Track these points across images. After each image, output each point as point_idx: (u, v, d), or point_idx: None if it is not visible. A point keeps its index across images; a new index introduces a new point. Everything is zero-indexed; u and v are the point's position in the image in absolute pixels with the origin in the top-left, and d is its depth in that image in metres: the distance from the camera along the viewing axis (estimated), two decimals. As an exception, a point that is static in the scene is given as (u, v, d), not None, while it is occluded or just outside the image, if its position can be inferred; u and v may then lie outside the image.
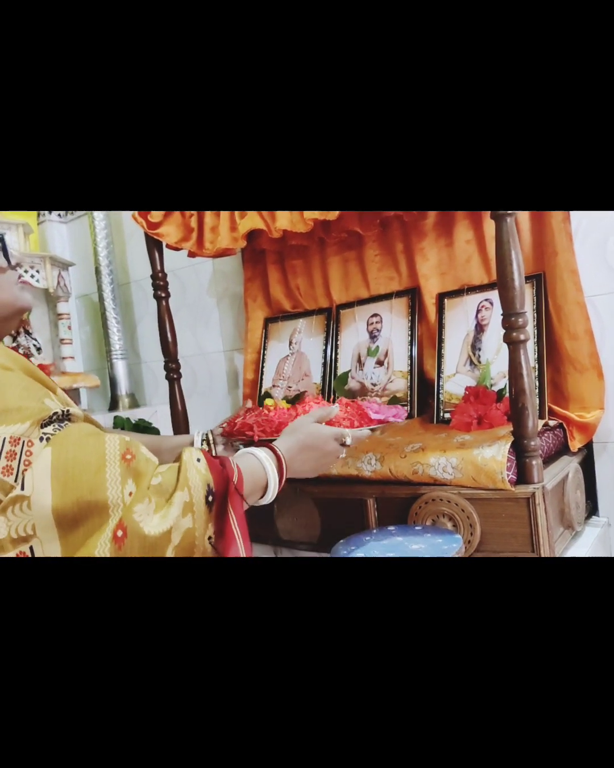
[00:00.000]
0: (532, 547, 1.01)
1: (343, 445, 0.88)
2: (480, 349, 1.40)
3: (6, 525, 0.55)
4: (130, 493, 0.60)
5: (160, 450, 0.89)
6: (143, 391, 2.41)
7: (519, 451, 1.04)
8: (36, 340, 1.93)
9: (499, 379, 1.33)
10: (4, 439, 0.57)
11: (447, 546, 0.93)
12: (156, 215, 1.49)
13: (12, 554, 0.55)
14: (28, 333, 1.92)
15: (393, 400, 1.50)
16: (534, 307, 1.33)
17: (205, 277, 2.10)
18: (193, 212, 1.47)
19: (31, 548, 0.56)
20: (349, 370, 1.62)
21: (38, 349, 1.92)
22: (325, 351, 1.69)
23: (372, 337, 1.61)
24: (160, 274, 1.57)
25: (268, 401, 1.30)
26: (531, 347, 1.24)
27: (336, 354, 1.67)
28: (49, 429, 0.60)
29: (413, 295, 1.56)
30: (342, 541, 1.02)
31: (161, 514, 0.61)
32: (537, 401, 1.24)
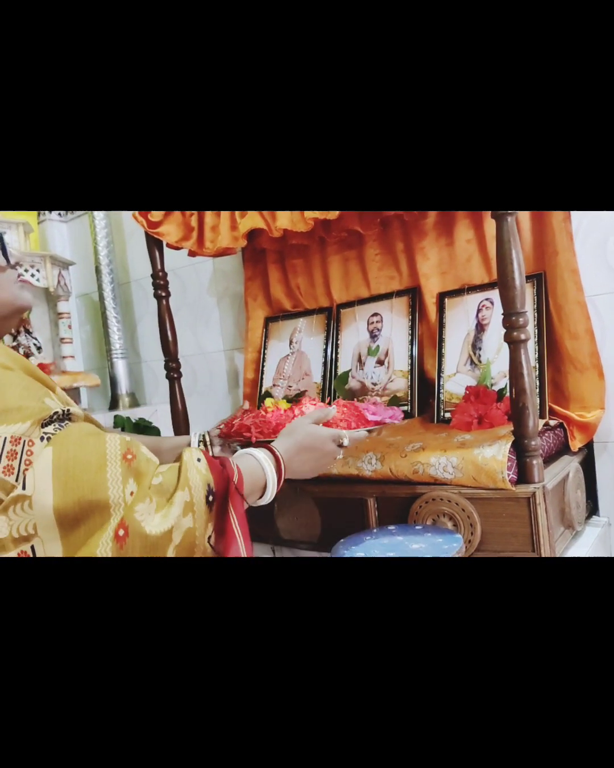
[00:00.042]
0: (533, 547, 1.01)
1: (341, 446, 0.88)
2: (480, 349, 1.40)
3: (7, 524, 0.55)
4: (132, 493, 0.61)
5: (159, 450, 0.89)
6: (143, 391, 2.41)
7: (520, 450, 1.04)
8: (36, 339, 1.93)
9: (500, 379, 1.33)
10: (5, 438, 0.57)
11: (448, 545, 0.93)
12: (156, 214, 1.49)
13: (13, 553, 0.55)
14: (28, 332, 1.92)
15: (394, 400, 1.50)
16: (535, 306, 1.33)
17: (206, 276, 2.10)
18: (193, 211, 1.47)
19: (32, 547, 0.56)
20: (350, 370, 1.62)
21: (38, 348, 1.92)
22: (326, 350, 1.69)
23: (373, 336, 1.61)
24: (160, 274, 1.57)
25: (268, 401, 1.30)
26: (531, 347, 1.24)
27: (336, 353, 1.67)
28: (49, 428, 0.60)
29: (413, 294, 1.56)
30: (342, 540, 1.02)
31: (162, 513, 0.62)
32: (538, 401, 1.24)
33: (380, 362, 1.58)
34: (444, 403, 1.43)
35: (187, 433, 1.58)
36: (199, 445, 1.05)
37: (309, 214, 1.25)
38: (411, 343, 1.54)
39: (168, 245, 1.54)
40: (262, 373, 1.79)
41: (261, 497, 0.77)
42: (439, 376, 1.45)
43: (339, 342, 1.67)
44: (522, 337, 1.03)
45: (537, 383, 1.26)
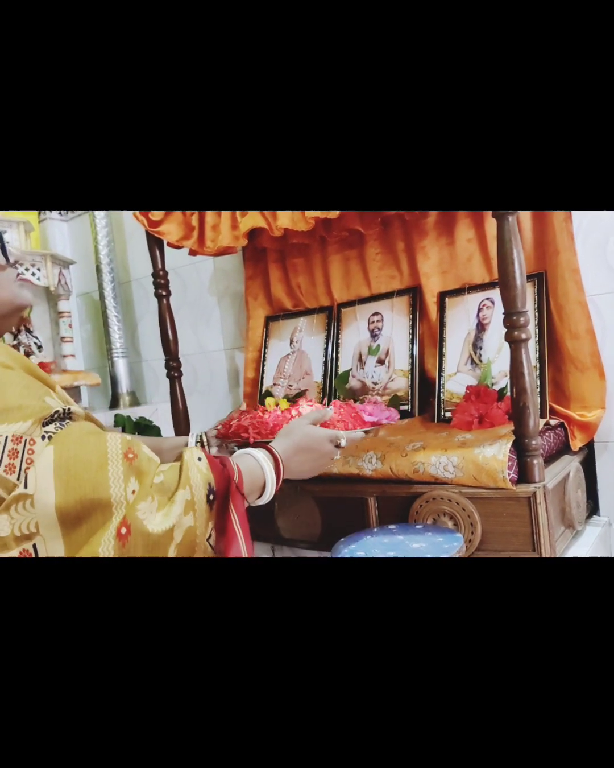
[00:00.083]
0: (533, 546, 1.01)
1: (338, 446, 0.89)
2: (481, 348, 1.40)
3: (9, 523, 0.55)
4: (133, 491, 0.61)
5: (159, 451, 0.89)
6: (144, 389, 2.41)
7: (521, 450, 1.04)
8: (37, 338, 1.93)
9: (500, 378, 1.33)
10: (7, 437, 0.57)
11: (448, 545, 0.93)
12: (157, 213, 1.49)
13: (15, 552, 0.55)
14: (28, 331, 1.92)
15: (395, 399, 1.50)
16: (536, 306, 1.33)
17: (206, 275, 2.10)
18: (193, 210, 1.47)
19: (34, 546, 0.56)
20: (350, 369, 1.62)
21: (39, 347, 1.92)
22: (326, 349, 1.69)
23: (374, 335, 1.61)
24: (160, 273, 1.57)
25: (268, 400, 1.31)
26: (532, 346, 1.24)
27: (337, 353, 1.67)
28: (50, 427, 0.61)
29: (414, 293, 1.56)
30: (343, 539, 1.02)
31: (164, 512, 0.62)
32: (539, 400, 1.23)
33: (381, 361, 1.58)
34: (445, 402, 1.43)
35: (188, 432, 1.58)
36: (196, 446, 1.05)
37: (310, 214, 1.25)
38: (412, 342, 1.53)
39: (169, 244, 1.54)
40: (263, 372, 1.79)
41: (260, 497, 0.77)
42: (440, 376, 1.45)
43: (339, 341, 1.67)
44: (523, 336, 1.03)
45: (538, 383, 1.26)
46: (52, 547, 0.56)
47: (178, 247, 1.54)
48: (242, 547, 0.67)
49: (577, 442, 1.27)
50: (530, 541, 1.01)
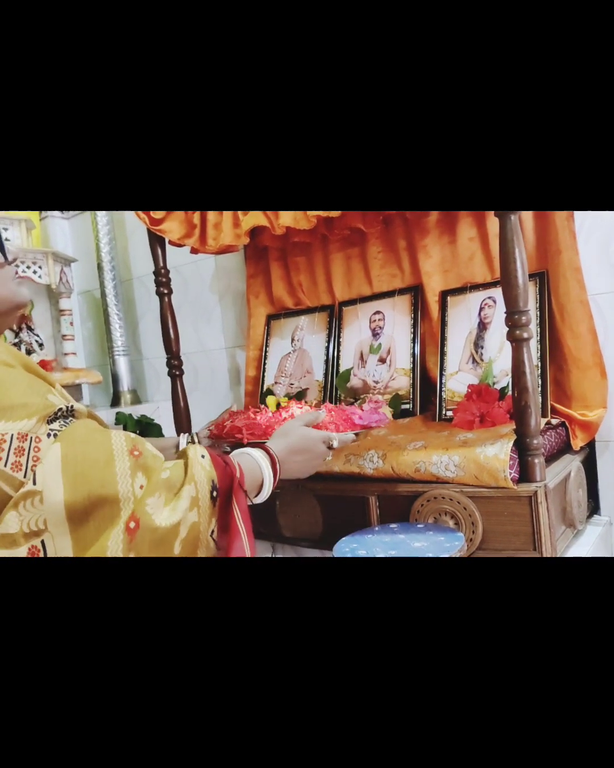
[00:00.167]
0: (534, 546, 1.01)
1: (330, 447, 0.93)
2: (482, 347, 1.40)
3: (18, 519, 0.56)
4: (141, 486, 0.62)
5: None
6: (145, 388, 2.41)
7: (522, 449, 1.04)
8: (38, 335, 1.94)
9: (502, 377, 1.33)
10: (12, 435, 0.58)
11: (450, 544, 0.93)
12: (158, 212, 1.49)
13: (24, 548, 0.56)
14: (30, 329, 1.92)
15: (396, 398, 1.50)
16: (537, 305, 1.33)
17: (208, 273, 2.10)
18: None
19: (42, 542, 0.56)
20: (351, 368, 1.62)
21: (40, 345, 1.92)
22: (328, 348, 1.69)
23: (375, 334, 1.61)
24: (162, 271, 1.57)
25: (269, 398, 1.31)
26: (534, 345, 1.24)
27: (338, 351, 1.67)
28: (55, 425, 0.61)
29: (416, 292, 1.56)
30: (344, 538, 1.02)
31: (171, 507, 0.63)
32: (540, 399, 1.23)
33: (382, 360, 1.58)
34: (446, 401, 1.43)
35: (189, 430, 1.58)
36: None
37: (312, 212, 1.25)
38: (413, 341, 1.53)
39: (170, 242, 1.54)
40: (264, 370, 1.79)
41: (257, 495, 0.79)
42: (441, 375, 1.45)
43: (341, 340, 1.67)
44: (525, 335, 1.03)
45: (540, 382, 1.26)
46: (60, 543, 0.57)
47: (179, 246, 1.54)
48: (245, 543, 0.68)
49: (578, 442, 1.27)
50: (531, 541, 1.01)
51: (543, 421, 1.16)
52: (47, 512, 0.56)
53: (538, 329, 1.31)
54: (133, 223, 2.30)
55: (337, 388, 1.62)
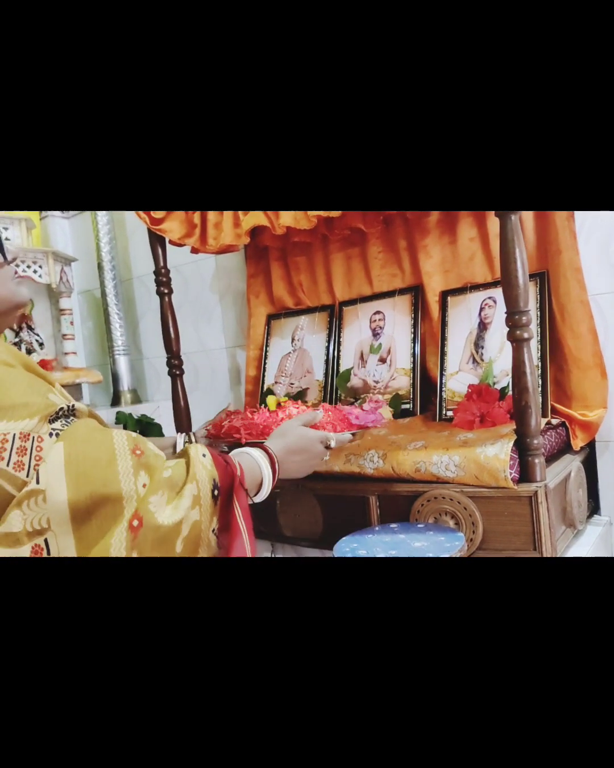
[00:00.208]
0: (534, 546, 1.01)
1: (328, 447, 0.94)
2: (483, 347, 1.40)
3: (21, 518, 0.56)
4: (144, 485, 0.63)
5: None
6: (145, 387, 2.42)
7: (522, 449, 1.04)
8: (38, 335, 1.94)
9: (502, 377, 1.33)
10: (14, 435, 0.58)
11: (450, 544, 0.93)
12: (159, 211, 1.49)
13: (27, 546, 0.56)
14: (30, 328, 1.92)
15: (396, 398, 1.50)
16: (538, 305, 1.33)
17: (208, 273, 2.10)
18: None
19: (45, 541, 0.57)
20: (351, 368, 1.62)
21: (40, 345, 1.92)
22: (328, 348, 1.69)
23: (375, 334, 1.61)
24: (162, 270, 1.57)
25: (270, 398, 1.31)
26: (534, 345, 1.24)
27: (338, 351, 1.67)
28: (57, 425, 0.61)
29: (416, 292, 1.56)
30: (344, 537, 1.02)
31: (173, 505, 0.64)
32: (540, 400, 1.24)
33: (382, 360, 1.58)
34: (447, 401, 1.43)
35: (189, 429, 1.58)
36: (184, 446, 1.08)
37: (313, 212, 1.25)
38: (414, 341, 1.53)
39: (170, 242, 1.54)
40: (264, 370, 1.79)
41: (256, 494, 0.80)
42: (441, 375, 1.45)
43: (341, 340, 1.67)
44: (525, 335, 1.03)
45: (540, 382, 1.26)
46: (63, 541, 0.57)
47: (179, 245, 1.54)
48: (245, 541, 0.69)
49: (579, 442, 1.27)
50: (531, 541, 1.01)
51: (544, 421, 1.16)
52: (50, 511, 0.56)
53: (539, 329, 1.31)
54: (133, 222, 2.30)
55: (337, 387, 1.62)
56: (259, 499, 0.80)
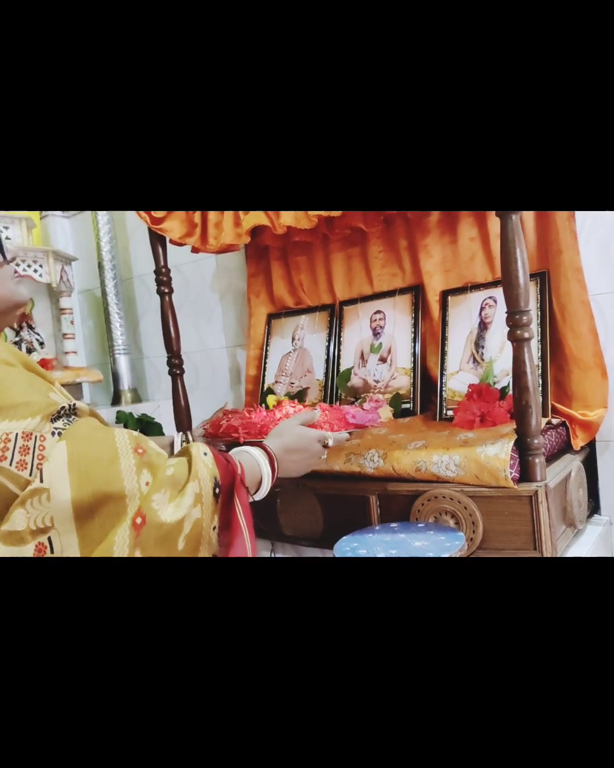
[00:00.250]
0: (534, 545, 1.01)
1: (325, 446, 0.94)
2: (483, 347, 1.40)
3: (25, 517, 0.56)
4: (147, 483, 0.63)
5: None
6: (146, 387, 2.42)
7: (522, 449, 1.04)
8: (39, 334, 1.94)
9: (502, 377, 1.33)
10: (17, 434, 0.58)
11: (450, 543, 0.93)
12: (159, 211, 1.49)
13: (31, 545, 0.56)
14: (30, 328, 1.92)
15: (396, 397, 1.51)
16: (538, 305, 1.33)
17: (208, 272, 2.10)
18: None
19: (49, 539, 0.57)
20: (352, 367, 1.62)
21: (41, 344, 1.93)
22: (328, 347, 1.69)
23: (376, 334, 1.61)
24: (163, 270, 1.57)
25: (270, 398, 1.31)
26: (534, 345, 1.24)
27: (339, 351, 1.67)
28: (59, 424, 0.62)
29: (416, 292, 1.56)
30: (344, 537, 1.02)
31: (175, 503, 0.64)
32: (541, 399, 1.23)
33: (383, 360, 1.58)
34: (447, 401, 1.43)
35: (190, 428, 1.58)
36: (182, 445, 1.09)
37: (313, 212, 1.25)
38: (414, 340, 1.54)
39: (171, 241, 1.54)
40: (264, 369, 1.79)
41: (255, 493, 0.81)
42: (442, 374, 1.45)
43: (341, 339, 1.67)
44: (526, 335, 1.03)
45: (540, 382, 1.26)
46: (67, 540, 0.57)
47: (180, 245, 1.54)
48: (246, 538, 0.70)
49: (579, 442, 1.27)
50: (531, 540, 1.01)
51: (544, 420, 1.16)
52: (54, 510, 0.56)
53: (539, 329, 1.31)
54: (133, 222, 2.30)
55: (338, 387, 1.63)
56: (258, 497, 0.81)
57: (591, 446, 1.36)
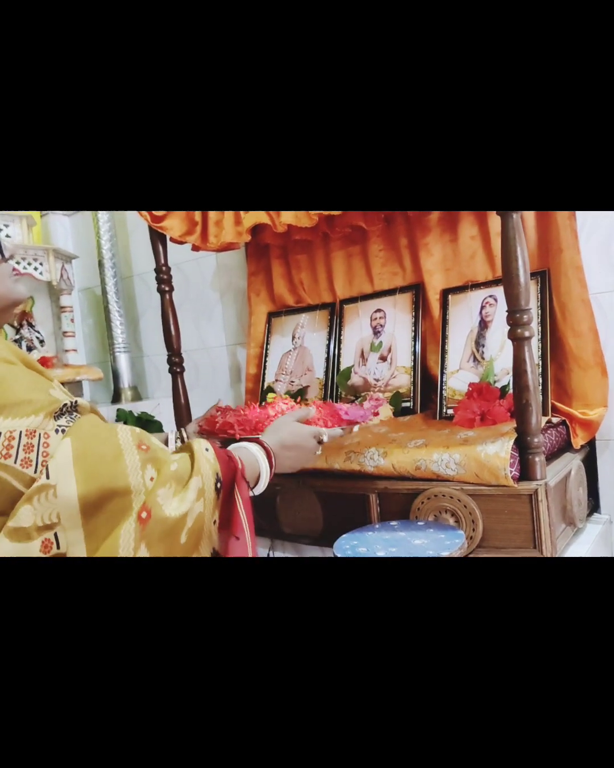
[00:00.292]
0: (534, 544, 1.01)
1: (320, 442, 0.95)
2: (483, 346, 1.40)
3: (32, 513, 0.57)
4: (152, 478, 0.64)
5: None
6: (146, 385, 2.42)
7: (522, 447, 1.04)
8: (39, 332, 1.94)
9: (503, 376, 1.33)
10: (21, 432, 0.58)
11: (450, 541, 0.93)
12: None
13: (37, 541, 0.57)
14: (30, 325, 1.92)
15: (396, 396, 1.51)
16: (539, 303, 1.33)
17: (209, 271, 2.10)
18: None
19: (55, 535, 0.57)
20: (352, 366, 1.63)
21: (41, 342, 1.93)
22: (328, 346, 1.69)
23: (376, 332, 1.61)
24: (163, 268, 1.57)
25: (270, 396, 1.31)
26: (535, 344, 1.24)
27: (339, 349, 1.67)
28: (62, 421, 0.62)
29: (417, 290, 1.56)
30: (344, 535, 1.02)
31: (179, 497, 0.65)
32: (541, 398, 1.23)
33: (383, 358, 1.58)
34: (447, 399, 1.43)
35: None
36: (176, 442, 1.10)
37: (314, 210, 1.25)
38: (414, 339, 1.53)
39: (171, 240, 1.54)
40: (265, 368, 1.79)
41: (253, 488, 0.81)
42: (442, 373, 1.45)
43: (341, 338, 1.67)
44: (526, 334, 1.03)
45: (540, 380, 1.26)
46: (72, 535, 0.58)
47: (180, 243, 1.54)
48: (246, 532, 0.71)
49: (579, 440, 1.27)
50: (531, 539, 1.01)
51: (544, 419, 1.16)
52: (61, 506, 0.57)
53: (539, 328, 1.31)
54: (134, 220, 2.30)
55: (338, 385, 1.63)
56: (256, 492, 0.82)
57: (591, 445, 1.36)
